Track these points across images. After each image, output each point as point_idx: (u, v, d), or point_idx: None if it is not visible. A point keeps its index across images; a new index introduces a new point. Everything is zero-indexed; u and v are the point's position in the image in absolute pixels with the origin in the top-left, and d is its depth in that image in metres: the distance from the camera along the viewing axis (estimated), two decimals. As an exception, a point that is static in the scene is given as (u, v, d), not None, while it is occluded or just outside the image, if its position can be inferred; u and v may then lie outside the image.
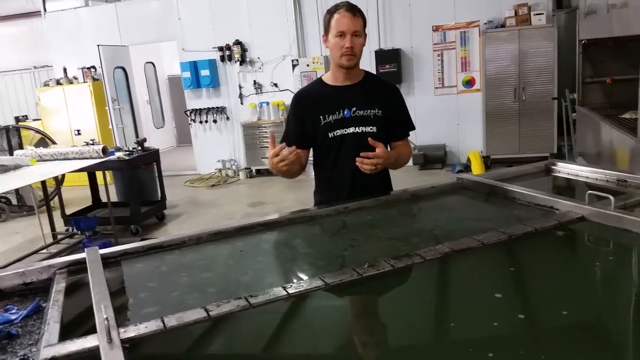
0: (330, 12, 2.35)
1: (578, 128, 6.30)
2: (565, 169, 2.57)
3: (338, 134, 2.41)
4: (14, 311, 1.53)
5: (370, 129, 2.41)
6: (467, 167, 7.85)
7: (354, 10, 2.31)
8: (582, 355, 1.16)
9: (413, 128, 2.60)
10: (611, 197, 1.77)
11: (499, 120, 7.87)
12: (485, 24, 7.86)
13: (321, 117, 2.42)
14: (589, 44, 5.55)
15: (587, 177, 2.42)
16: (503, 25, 7.74)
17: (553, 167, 2.63)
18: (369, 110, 2.42)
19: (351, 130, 2.40)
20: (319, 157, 2.53)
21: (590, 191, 1.86)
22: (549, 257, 1.71)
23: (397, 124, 2.55)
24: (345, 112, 2.40)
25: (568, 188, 2.54)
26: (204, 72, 9.22)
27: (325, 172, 2.53)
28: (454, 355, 1.20)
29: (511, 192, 2.18)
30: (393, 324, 1.37)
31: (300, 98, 2.55)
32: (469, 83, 8.30)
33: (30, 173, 5.06)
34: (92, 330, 1.26)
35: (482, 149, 8.06)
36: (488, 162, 7.93)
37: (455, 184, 2.47)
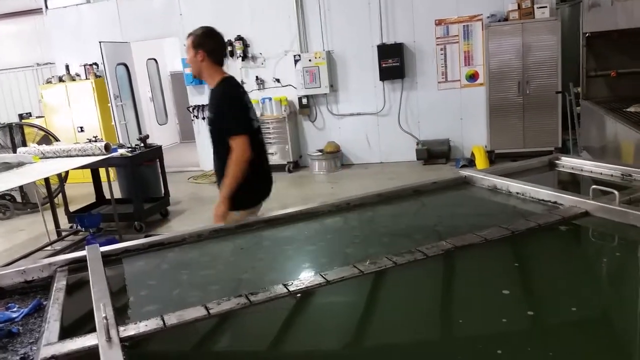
0: None
1: (582, 122, 6.26)
2: (570, 164, 2.54)
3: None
4: (15, 309, 1.53)
5: (211, 129, 3.12)
6: (471, 162, 7.81)
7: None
8: (591, 352, 1.14)
9: (233, 132, 2.95)
10: (616, 192, 1.75)
11: (502, 114, 7.82)
12: (488, 17, 7.80)
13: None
14: (593, 37, 5.50)
15: (591, 172, 2.39)
16: (506, 19, 7.68)
17: (557, 161, 2.61)
18: (209, 113, 3.14)
19: (209, 128, 3.18)
20: None
21: (594, 186, 1.84)
22: (553, 253, 1.69)
23: (223, 124, 3.03)
24: (207, 113, 3.05)
25: (572, 183, 2.52)
26: (207, 68, 9.19)
27: None
28: (462, 352, 1.18)
29: (515, 187, 2.16)
30: (397, 321, 1.36)
31: None
32: (473, 77, 8.25)
33: (33, 170, 5.07)
34: (93, 328, 1.25)
35: (486, 143, 8.01)
36: (492, 157, 7.89)
37: (459, 179, 2.45)
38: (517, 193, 2.14)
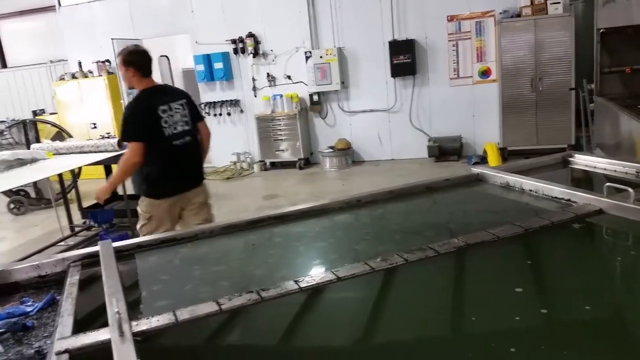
0: None
1: (596, 119, 6.19)
2: (583, 161, 2.52)
3: None
4: (29, 303, 1.55)
5: None
6: (483, 159, 7.76)
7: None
8: (605, 351, 1.13)
9: (127, 138, 3.37)
10: (630, 190, 1.73)
11: (515, 111, 7.76)
12: (501, 13, 7.74)
13: None
14: (607, 33, 5.44)
15: (605, 169, 2.36)
16: (519, 15, 7.61)
17: (570, 158, 2.58)
18: None
19: None
20: None
21: (608, 183, 1.81)
22: (567, 251, 1.68)
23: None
24: None
25: (586, 180, 2.49)
26: (218, 65, 9.22)
27: None
28: (475, 349, 1.18)
29: (528, 185, 2.14)
30: (408, 318, 1.35)
31: None
32: (485, 73, 8.19)
33: (47, 166, 5.12)
34: (105, 323, 1.26)
35: (498, 140, 7.96)
36: (505, 154, 7.84)
37: (471, 176, 2.44)
38: (530, 190, 2.12)
